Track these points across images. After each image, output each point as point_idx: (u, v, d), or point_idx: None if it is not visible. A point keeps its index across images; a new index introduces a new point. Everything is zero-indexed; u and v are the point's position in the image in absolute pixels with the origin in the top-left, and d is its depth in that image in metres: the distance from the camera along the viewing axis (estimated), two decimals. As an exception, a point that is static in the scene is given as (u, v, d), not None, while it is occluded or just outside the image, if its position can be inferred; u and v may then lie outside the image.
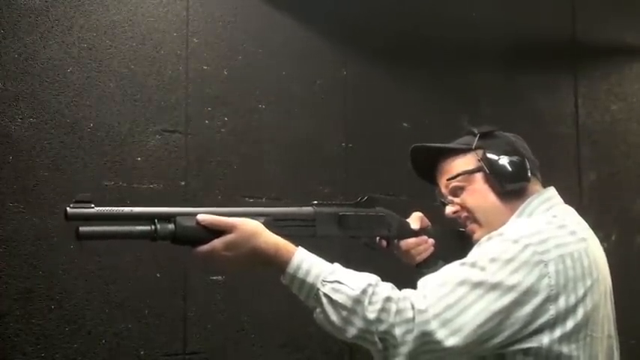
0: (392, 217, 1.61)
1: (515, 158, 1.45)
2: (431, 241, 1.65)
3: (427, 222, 1.67)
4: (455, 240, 1.61)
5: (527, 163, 1.46)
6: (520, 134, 1.58)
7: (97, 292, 2.09)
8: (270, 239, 1.30)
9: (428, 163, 1.56)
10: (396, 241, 1.63)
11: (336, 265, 1.31)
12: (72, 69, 2.11)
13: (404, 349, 1.23)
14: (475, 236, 1.49)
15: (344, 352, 2.56)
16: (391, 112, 2.83)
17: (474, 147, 1.48)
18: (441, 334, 1.23)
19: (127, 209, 1.26)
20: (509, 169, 1.44)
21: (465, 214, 1.50)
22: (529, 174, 1.46)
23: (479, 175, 1.47)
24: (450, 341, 1.23)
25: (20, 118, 2.01)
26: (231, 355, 2.32)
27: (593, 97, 3.47)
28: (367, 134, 2.75)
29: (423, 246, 1.63)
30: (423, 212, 1.68)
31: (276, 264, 1.29)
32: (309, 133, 2.60)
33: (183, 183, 2.28)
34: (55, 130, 2.06)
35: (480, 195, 1.47)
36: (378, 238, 1.60)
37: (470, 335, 1.24)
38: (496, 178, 1.44)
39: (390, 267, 1.50)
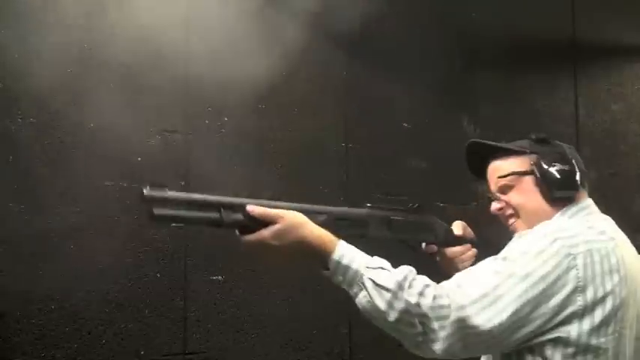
0: (439, 225, 1.67)
1: (566, 167, 1.52)
2: (474, 250, 1.69)
3: (470, 231, 1.72)
4: (496, 250, 1.64)
5: (578, 173, 1.53)
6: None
7: (97, 292, 2.09)
8: (315, 230, 1.36)
9: (481, 160, 1.62)
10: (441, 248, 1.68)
11: (375, 256, 1.37)
12: (72, 69, 2.11)
13: (442, 334, 1.29)
14: (517, 234, 1.55)
15: (344, 352, 2.56)
16: (391, 112, 2.83)
17: (528, 151, 1.55)
18: (477, 320, 1.29)
19: (198, 196, 1.33)
20: (558, 176, 1.51)
21: (509, 211, 1.56)
22: (578, 183, 1.52)
23: (529, 178, 1.53)
24: (487, 325, 1.29)
25: (20, 118, 2.01)
26: (231, 355, 2.32)
27: (593, 97, 3.47)
28: (367, 134, 2.75)
29: (466, 254, 1.68)
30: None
31: (320, 253, 1.35)
32: (309, 133, 2.60)
33: (183, 183, 2.28)
34: (55, 130, 2.06)
35: (527, 195, 1.53)
36: (425, 243, 1.66)
37: (505, 322, 1.30)
38: (545, 183, 1.51)
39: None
